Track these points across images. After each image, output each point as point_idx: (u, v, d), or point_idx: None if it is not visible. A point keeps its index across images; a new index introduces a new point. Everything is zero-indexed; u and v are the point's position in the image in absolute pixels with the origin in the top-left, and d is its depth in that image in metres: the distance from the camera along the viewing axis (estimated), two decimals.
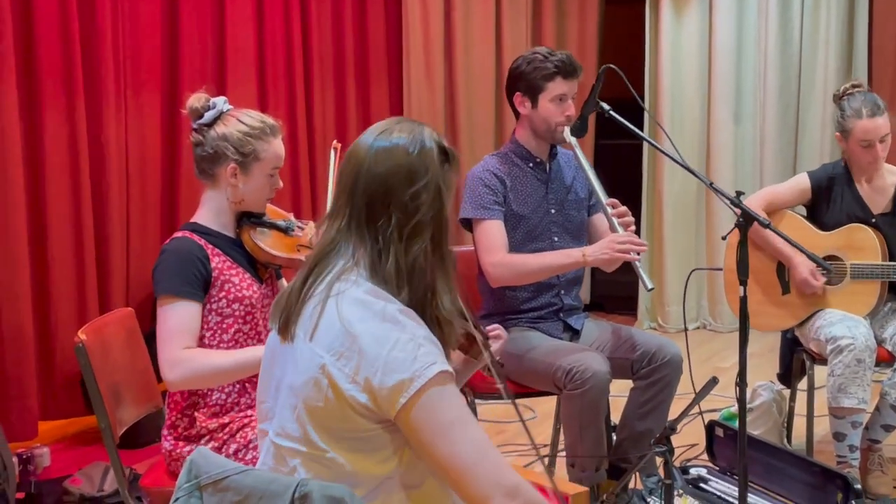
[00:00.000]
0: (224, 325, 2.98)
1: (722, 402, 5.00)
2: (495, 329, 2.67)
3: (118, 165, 5.17)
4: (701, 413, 4.18)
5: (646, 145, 6.52)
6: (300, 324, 2.08)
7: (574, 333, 3.94)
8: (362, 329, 1.99)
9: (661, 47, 7.06)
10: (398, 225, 2.05)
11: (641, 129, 3.59)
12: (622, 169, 7.30)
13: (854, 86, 4.26)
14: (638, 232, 6.97)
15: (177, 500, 2.00)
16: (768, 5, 6.88)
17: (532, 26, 7.31)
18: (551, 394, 3.77)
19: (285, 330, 2.11)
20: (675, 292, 7.16)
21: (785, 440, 4.56)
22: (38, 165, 4.86)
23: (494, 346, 2.63)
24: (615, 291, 7.47)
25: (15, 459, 4.31)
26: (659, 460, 3.25)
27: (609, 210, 3.65)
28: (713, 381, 2.91)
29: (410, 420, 1.96)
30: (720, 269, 4.61)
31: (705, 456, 4.21)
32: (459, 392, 2.03)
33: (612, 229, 3.64)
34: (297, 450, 2.05)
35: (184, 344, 2.87)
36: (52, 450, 4.61)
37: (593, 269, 3.90)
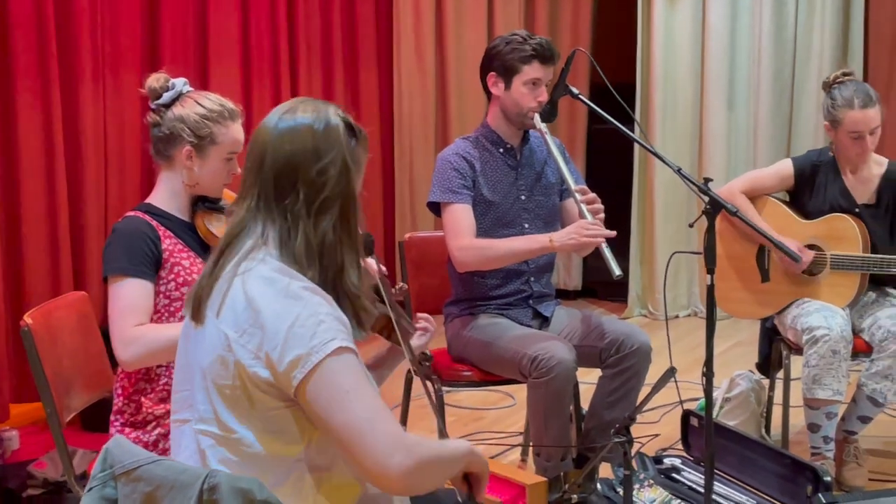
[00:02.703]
0: (171, 309, 2.93)
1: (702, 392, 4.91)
2: (423, 321, 2.62)
3: (95, 147, 5.09)
4: (681, 402, 4.12)
5: (637, 131, 6.43)
6: (209, 304, 2.08)
7: (544, 321, 3.89)
8: (265, 305, 1.98)
9: (654, 32, 6.95)
10: (306, 201, 2.05)
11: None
12: (615, 155, 7.18)
13: (845, 74, 4.15)
14: (628, 218, 6.99)
15: (91, 489, 1.96)
16: None
17: (525, 11, 7.22)
18: (518, 382, 3.71)
19: (197, 313, 2.11)
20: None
21: (763, 431, 4.50)
22: (10, 147, 4.78)
23: (422, 339, 2.60)
24: (608, 277, 7.34)
25: None
26: (633, 449, 3.21)
27: (578, 196, 3.60)
28: (671, 372, 2.87)
29: (307, 394, 1.95)
30: (700, 253, 4.53)
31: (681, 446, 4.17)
32: (361, 366, 2.00)
33: (581, 216, 3.59)
34: (209, 431, 2.04)
35: (135, 321, 2.83)
36: (23, 433, 4.57)
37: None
